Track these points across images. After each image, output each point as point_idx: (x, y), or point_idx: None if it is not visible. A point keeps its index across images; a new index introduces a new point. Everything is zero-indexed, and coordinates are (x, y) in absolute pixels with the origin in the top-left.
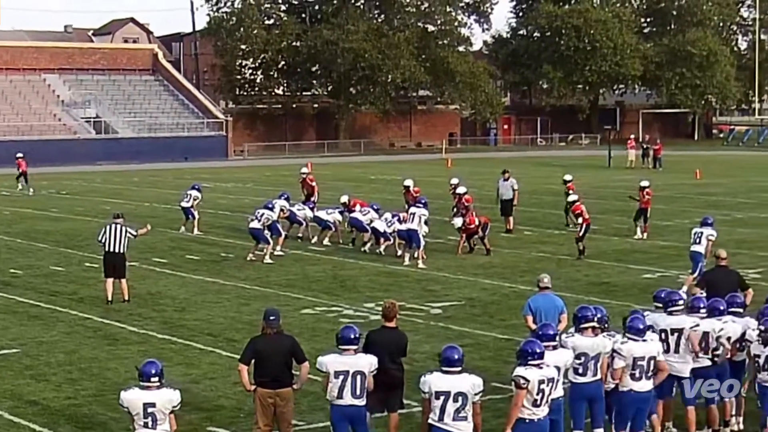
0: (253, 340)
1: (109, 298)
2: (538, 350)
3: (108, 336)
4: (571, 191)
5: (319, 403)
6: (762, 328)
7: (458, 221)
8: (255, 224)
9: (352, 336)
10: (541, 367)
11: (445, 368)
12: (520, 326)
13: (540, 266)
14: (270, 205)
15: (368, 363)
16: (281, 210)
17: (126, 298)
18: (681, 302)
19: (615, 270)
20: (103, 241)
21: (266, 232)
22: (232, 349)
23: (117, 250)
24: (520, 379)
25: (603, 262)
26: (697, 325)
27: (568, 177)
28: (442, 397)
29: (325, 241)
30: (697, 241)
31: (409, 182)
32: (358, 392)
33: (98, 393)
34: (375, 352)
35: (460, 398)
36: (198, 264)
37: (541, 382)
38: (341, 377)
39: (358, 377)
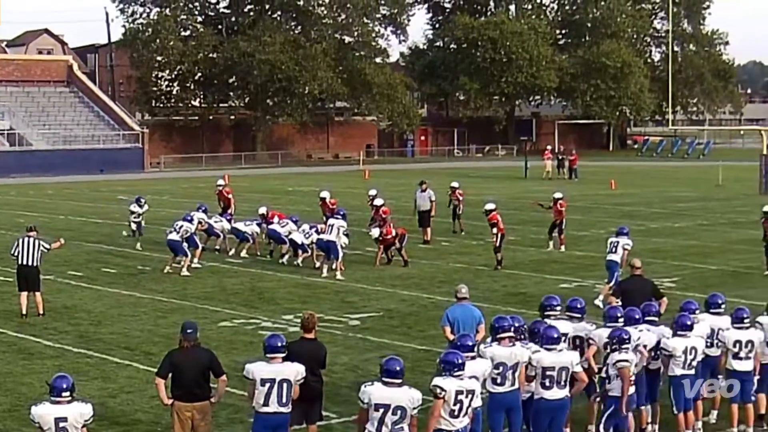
0: (170, 354)
1: (24, 312)
2: (459, 361)
3: (23, 350)
4: (461, 197)
5: (237, 416)
6: (609, 339)
7: (375, 232)
8: (173, 236)
9: (279, 344)
10: (461, 378)
11: (385, 379)
12: (438, 337)
13: (457, 277)
14: (188, 218)
15: (295, 371)
16: (199, 222)
17: (41, 311)
18: (558, 307)
19: (532, 280)
20: (16, 254)
21: (184, 244)
22: (149, 363)
23: (30, 264)
24: (437, 388)
25: (520, 273)
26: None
27: (455, 184)
28: (381, 410)
29: (243, 254)
30: (613, 250)
31: (325, 194)
32: (284, 400)
33: (12, 408)
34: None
35: (399, 411)
36: (114, 277)
37: (458, 392)
38: (267, 385)
39: (285, 385)
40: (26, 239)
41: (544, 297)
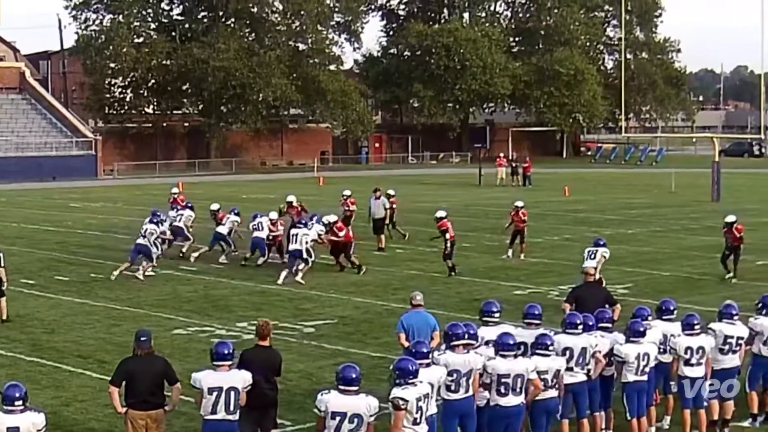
0: (124, 362)
1: None
2: (413, 368)
3: None
4: (394, 205)
5: (191, 424)
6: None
7: (331, 217)
8: (141, 240)
9: (226, 352)
10: (415, 384)
11: (342, 387)
12: (393, 344)
13: (412, 284)
14: (155, 220)
15: (242, 379)
16: (165, 228)
17: (4, 317)
18: (497, 313)
19: (486, 287)
20: None
21: (150, 249)
22: (103, 371)
23: None
24: (399, 400)
25: (474, 279)
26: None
27: (391, 191)
28: (337, 418)
29: (222, 259)
30: (592, 257)
31: (291, 198)
32: (231, 408)
33: None
34: (249, 371)
35: (355, 419)
36: (67, 285)
37: (418, 399)
38: (215, 393)
39: (232, 393)
40: None
41: (483, 302)
